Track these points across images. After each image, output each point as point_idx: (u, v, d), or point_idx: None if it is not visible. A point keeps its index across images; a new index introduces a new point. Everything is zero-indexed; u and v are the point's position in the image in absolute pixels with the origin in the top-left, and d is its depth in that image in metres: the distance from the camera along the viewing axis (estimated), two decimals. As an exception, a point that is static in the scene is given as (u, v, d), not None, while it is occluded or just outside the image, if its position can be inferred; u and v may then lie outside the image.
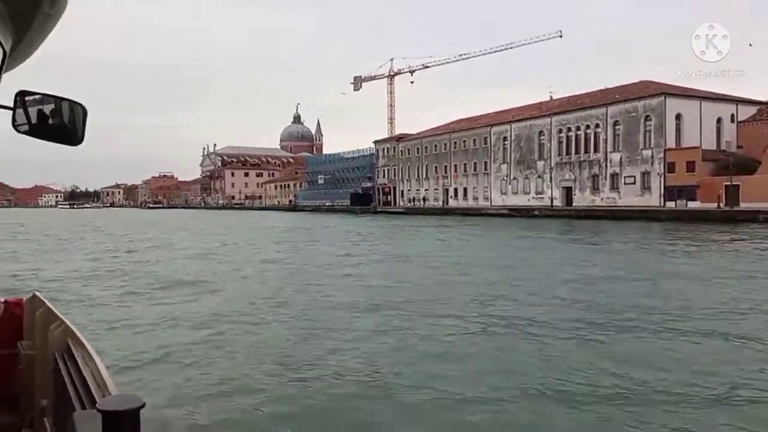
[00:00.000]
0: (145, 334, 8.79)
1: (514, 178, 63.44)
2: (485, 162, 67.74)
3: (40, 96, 1.62)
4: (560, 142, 58.45)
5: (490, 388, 6.13)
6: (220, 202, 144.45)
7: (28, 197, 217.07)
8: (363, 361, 7.22)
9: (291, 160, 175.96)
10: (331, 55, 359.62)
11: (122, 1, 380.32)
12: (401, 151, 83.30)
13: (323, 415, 5.51)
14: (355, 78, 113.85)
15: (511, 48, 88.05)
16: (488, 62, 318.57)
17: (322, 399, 5.86)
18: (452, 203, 71.03)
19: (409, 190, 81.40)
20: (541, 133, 60.55)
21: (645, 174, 50.46)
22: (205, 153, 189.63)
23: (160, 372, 6.82)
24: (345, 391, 6.09)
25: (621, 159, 52.55)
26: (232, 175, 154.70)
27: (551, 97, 68.96)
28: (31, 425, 2.22)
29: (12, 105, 1.57)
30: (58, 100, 1.64)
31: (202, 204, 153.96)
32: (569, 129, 57.45)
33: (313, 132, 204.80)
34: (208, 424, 5.21)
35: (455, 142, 72.62)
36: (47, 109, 1.63)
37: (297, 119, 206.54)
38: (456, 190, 72.06)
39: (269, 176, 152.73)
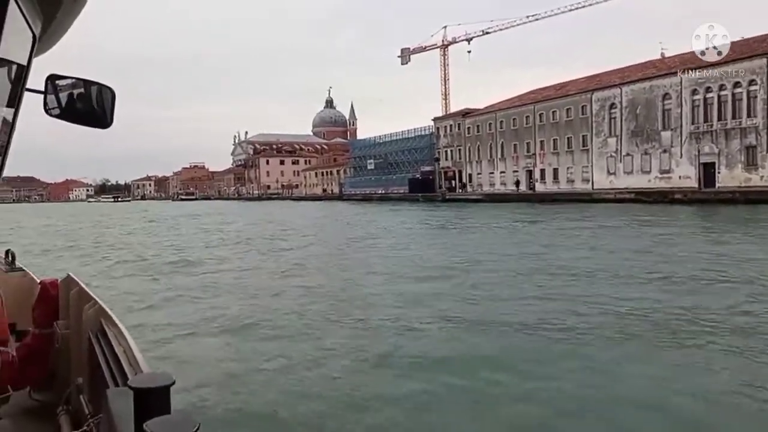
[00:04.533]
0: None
1: (627, 154, 51.21)
2: (584, 136, 55.62)
3: (69, 80, 1.60)
4: (695, 106, 45.99)
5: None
6: (256, 192, 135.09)
7: (59, 191, 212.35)
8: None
9: (325, 146, 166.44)
10: (368, 32, 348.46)
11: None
12: (468, 128, 71.58)
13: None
14: (402, 50, 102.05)
15: (595, 4, 74.91)
16: (562, 24, 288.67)
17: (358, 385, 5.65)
18: (538, 187, 59.29)
19: (479, 174, 69.73)
20: (666, 96, 48.11)
21: (831, 142, 38.01)
22: (237, 141, 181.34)
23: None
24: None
25: (790, 124, 40.09)
26: (267, 163, 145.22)
27: (663, 54, 56.25)
28: (67, 402, 2.23)
29: (43, 89, 1.58)
30: (87, 83, 1.63)
31: (237, 195, 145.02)
32: (708, 89, 44.90)
33: (347, 117, 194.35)
34: (237, 401, 5.15)
35: (541, 114, 60.57)
36: (77, 92, 1.61)
37: (329, 104, 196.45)
38: (543, 171, 60.16)
39: (306, 163, 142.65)
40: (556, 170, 58.71)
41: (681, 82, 46.63)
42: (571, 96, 57.03)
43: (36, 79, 1.56)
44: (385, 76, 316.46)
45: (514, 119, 64.01)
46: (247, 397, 5.21)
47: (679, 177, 46.27)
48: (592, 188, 53.41)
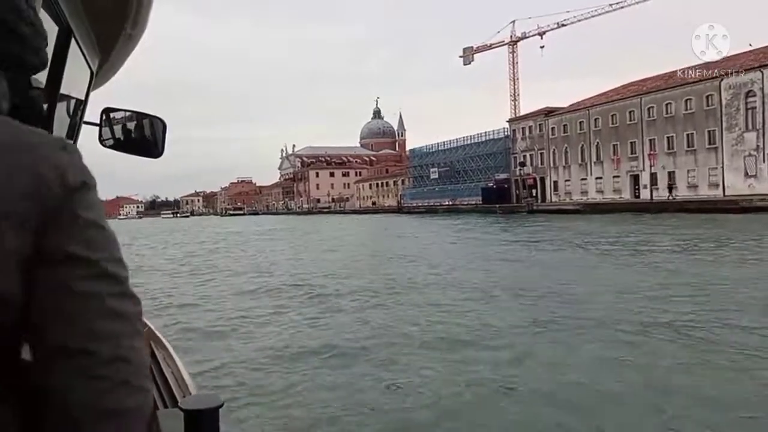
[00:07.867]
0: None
1: (775, 152, 41.49)
2: (710, 131, 46.06)
3: (123, 112, 1.69)
4: None
5: None
6: (305, 206, 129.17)
7: (110, 209, 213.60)
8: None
9: (373, 158, 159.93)
10: (406, 48, 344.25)
11: (197, 26, 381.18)
12: (552, 128, 62.77)
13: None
14: (464, 50, 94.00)
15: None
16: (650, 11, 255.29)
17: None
18: (646, 194, 49.80)
19: (567, 181, 60.69)
20: (831, 76, 38.41)
21: None
22: (284, 155, 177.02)
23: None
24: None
25: None
26: (317, 175, 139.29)
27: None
28: None
29: (98, 121, 1.67)
30: (139, 115, 1.71)
31: (285, 209, 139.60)
32: None
33: (395, 127, 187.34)
34: (287, 423, 5.00)
35: (650, 108, 51.26)
36: (130, 124, 1.71)
37: (377, 114, 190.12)
38: (654, 175, 50.66)
39: (356, 175, 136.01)
40: (671, 173, 49.17)
41: None
42: (691, 84, 47.55)
43: (92, 112, 1.63)
44: (435, 87, 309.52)
45: (613, 116, 54.86)
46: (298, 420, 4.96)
47: None
48: (723, 194, 43.74)
